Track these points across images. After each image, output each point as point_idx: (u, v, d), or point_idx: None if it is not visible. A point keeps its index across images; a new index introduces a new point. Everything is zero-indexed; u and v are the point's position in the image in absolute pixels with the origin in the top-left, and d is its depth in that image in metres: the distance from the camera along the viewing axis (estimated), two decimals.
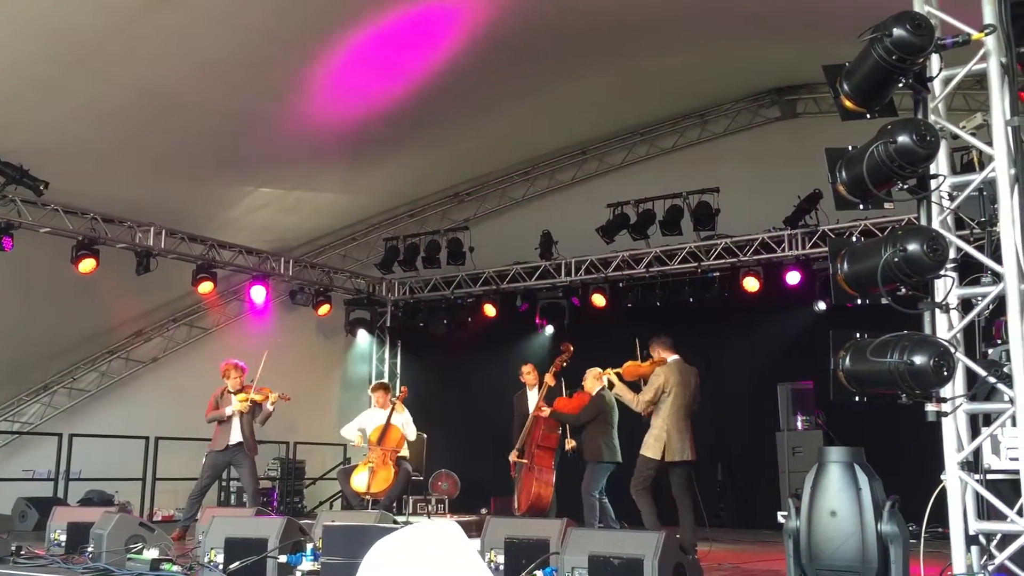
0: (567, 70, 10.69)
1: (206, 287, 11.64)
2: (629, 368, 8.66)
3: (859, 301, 4.36)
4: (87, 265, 10.22)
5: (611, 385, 8.69)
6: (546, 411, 9.28)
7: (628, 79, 11.27)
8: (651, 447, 8.13)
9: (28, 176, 9.43)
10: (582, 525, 6.85)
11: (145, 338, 12.98)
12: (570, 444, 9.34)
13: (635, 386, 8.54)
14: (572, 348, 9.68)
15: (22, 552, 6.94)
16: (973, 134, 4.60)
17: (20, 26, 7.79)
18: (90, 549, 6.64)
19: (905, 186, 4.39)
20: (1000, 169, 4.30)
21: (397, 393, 10.24)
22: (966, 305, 4.46)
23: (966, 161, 6.33)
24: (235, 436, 9.25)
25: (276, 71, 9.40)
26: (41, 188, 9.54)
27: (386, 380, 14.26)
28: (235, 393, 9.33)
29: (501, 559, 5.69)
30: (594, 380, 9.02)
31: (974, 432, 4.40)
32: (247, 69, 9.23)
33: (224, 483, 11.94)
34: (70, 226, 10.18)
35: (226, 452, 9.26)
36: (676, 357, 8.46)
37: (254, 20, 8.47)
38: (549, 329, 12.80)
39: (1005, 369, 4.30)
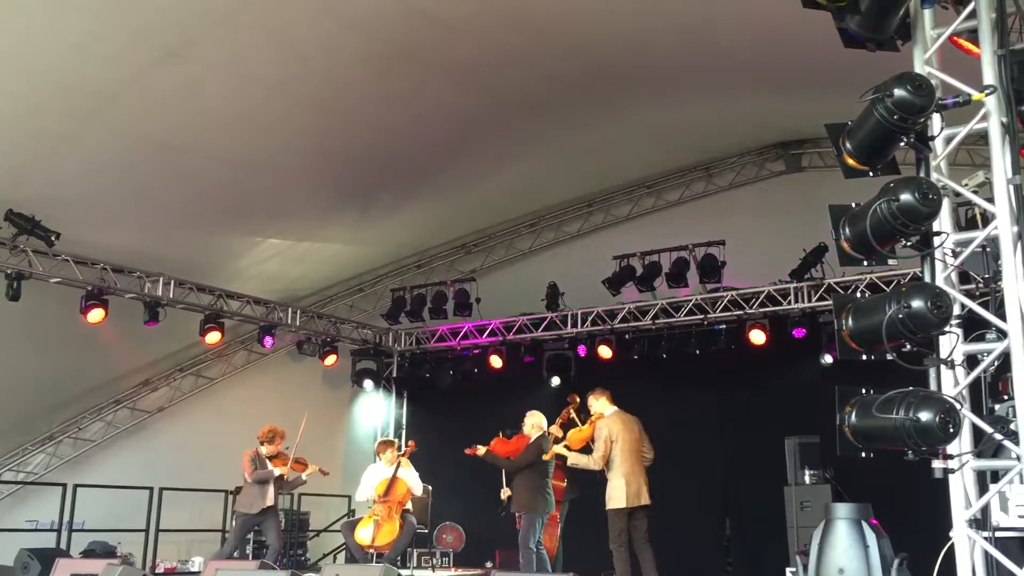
0: (573, 123, 10.81)
1: (214, 337, 11.67)
2: (574, 437, 8.80)
3: (864, 357, 4.37)
4: (96, 315, 10.26)
5: (564, 458, 8.81)
6: (481, 450, 9.35)
7: (634, 132, 11.39)
8: (616, 498, 8.28)
9: (40, 227, 9.54)
10: None
11: (152, 388, 12.97)
12: (505, 492, 9.34)
13: (586, 450, 8.66)
14: (578, 399, 9.69)
15: None
16: (976, 192, 4.63)
17: (32, 79, 7.93)
18: None
19: (909, 243, 4.42)
20: (1003, 227, 4.33)
21: (404, 447, 10.21)
22: (972, 361, 4.46)
23: (970, 216, 6.37)
24: (270, 499, 9.27)
25: (284, 122, 9.53)
26: (52, 239, 9.65)
27: (392, 431, 14.25)
28: (270, 459, 9.34)
29: None
30: (533, 426, 9.13)
31: (982, 489, 4.38)
32: (256, 121, 9.36)
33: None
34: (80, 276, 10.24)
35: (259, 515, 9.26)
36: (615, 409, 8.58)
37: (263, 74, 8.62)
38: (555, 380, 12.77)
39: (1012, 426, 4.29)
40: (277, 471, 9.23)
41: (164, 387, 13.07)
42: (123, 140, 9.03)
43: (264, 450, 9.36)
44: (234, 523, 9.36)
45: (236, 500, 9.54)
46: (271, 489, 9.28)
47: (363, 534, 9.39)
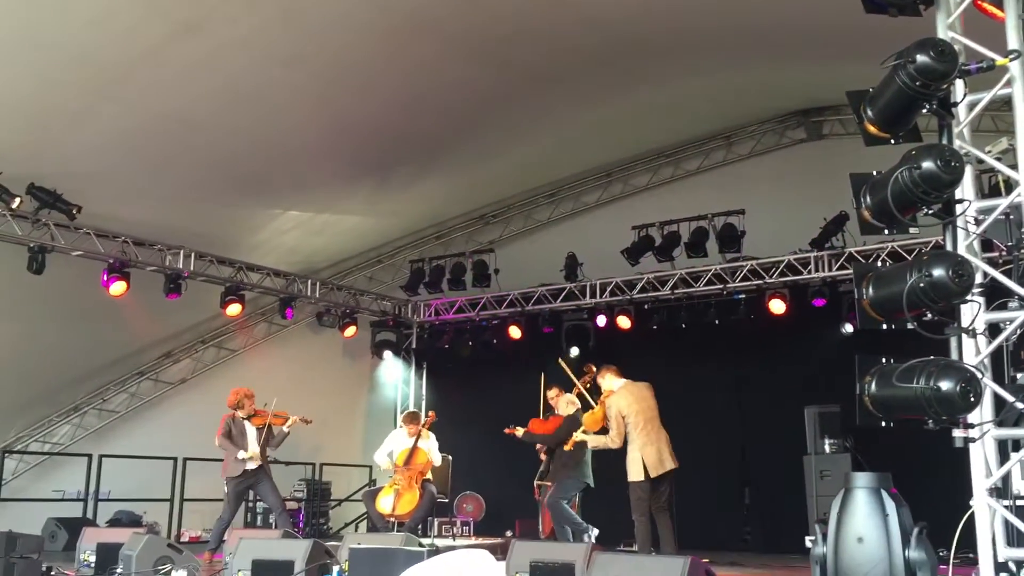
0: (591, 93, 10.74)
1: (234, 309, 11.75)
2: (590, 421, 8.85)
3: (885, 326, 4.35)
4: (118, 288, 10.34)
5: (569, 433, 8.86)
6: (520, 431, 9.43)
7: (653, 102, 11.30)
8: (633, 471, 8.30)
9: (61, 200, 9.60)
10: (608, 549, 6.82)
11: (174, 359, 13.11)
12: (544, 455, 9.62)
13: (605, 430, 8.69)
14: (595, 369, 9.70)
15: (52, 572, 7.02)
16: (999, 158, 4.58)
17: (53, 56, 7.95)
18: (119, 570, 6.71)
19: (930, 211, 4.39)
20: None
21: (424, 418, 10.25)
22: (994, 330, 4.44)
23: (993, 183, 6.30)
24: (252, 462, 9.19)
25: (301, 96, 9.52)
26: (74, 212, 9.71)
27: (411, 401, 14.31)
28: (247, 419, 9.30)
29: None
30: (567, 404, 9.19)
31: (1003, 458, 4.36)
32: (273, 94, 9.36)
33: (250, 504, 11.99)
34: (102, 249, 10.31)
35: (247, 477, 9.19)
36: (624, 381, 8.56)
37: (280, 48, 8.60)
38: (574, 351, 12.79)
39: None
40: (242, 454, 9.07)
41: (186, 359, 13.21)
42: (141, 114, 9.05)
43: (241, 414, 9.30)
44: (226, 489, 9.29)
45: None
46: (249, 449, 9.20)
47: (384, 503, 9.48)
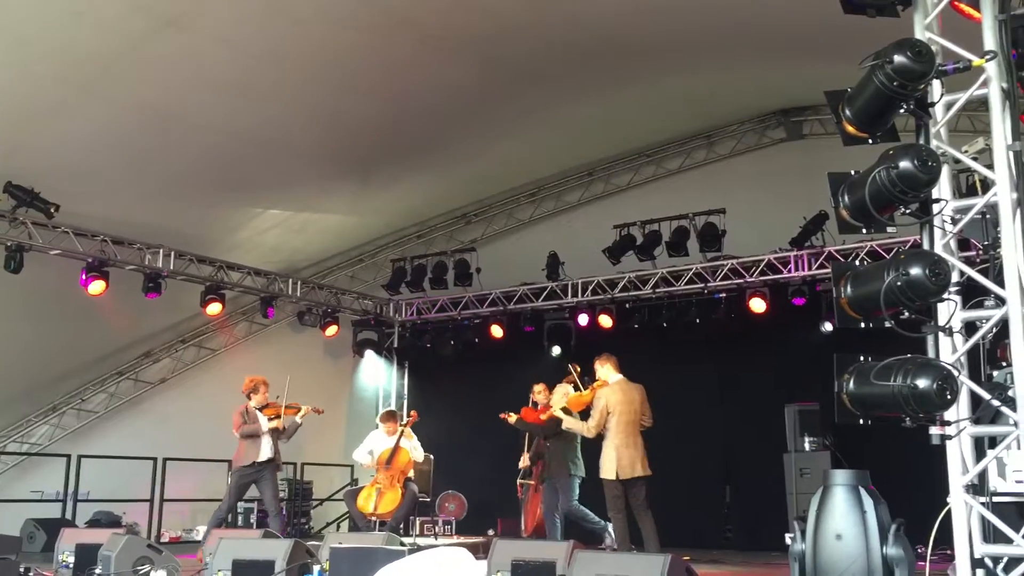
0: (574, 92, 10.76)
1: (215, 308, 11.70)
2: (573, 401, 8.84)
3: (862, 325, 4.38)
4: (97, 287, 10.28)
5: (560, 421, 8.81)
6: (512, 418, 9.43)
7: (635, 101, 11.33)
8: (606, 469, 8.33)
9: (39, 199, 9.53)
10: (589, 547, 6.83)
11: (154, 359, 13.02)
12: (524, 460, 9.61)
13: (585, 414, 8.68)
14: (579, 368, 9.70)
15: (30, 573, 6.96)
16: (975, 158, 4.62)
17: (31, 49, 7.88)
18: (98, 571, 6.65)
19: (908, 210, 4.42)
20: (1002, 193, 4.33)
21: (406, 418, 10.23)
22: (970, 328, 4.48)
23: (970, 183, 6.35)
24: (266, 452, 9.09)
25: (282, 92, 9.48)
26: (52, 211, 9.64)
27: (393, 401, 14.30)
28: (260, 410, 9.23)
29: None
30: (562, 396, 9.20)
31: (979, 455, 4.41)
32: (255, 91, 9.32)
33: None
34: (80, 248, 10.24)
35: (255, 469, 9.08)
36: (620, 377, 8.60)
37: (261, 43, 8.57)
38: (556, 350, 12.81)
39: (1009, 392, 4.31)
40: (266, 424, 9.09)
41: (166, 358, 13.13)
42: (120, 110, 8.99)
43: (253, 403, 9.26)
44: (230, 480, 9.22)
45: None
46: (265, 442, 9.11)
47: (366, 502, 9.47)
